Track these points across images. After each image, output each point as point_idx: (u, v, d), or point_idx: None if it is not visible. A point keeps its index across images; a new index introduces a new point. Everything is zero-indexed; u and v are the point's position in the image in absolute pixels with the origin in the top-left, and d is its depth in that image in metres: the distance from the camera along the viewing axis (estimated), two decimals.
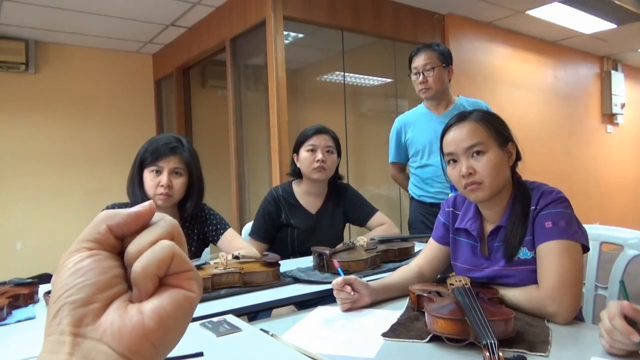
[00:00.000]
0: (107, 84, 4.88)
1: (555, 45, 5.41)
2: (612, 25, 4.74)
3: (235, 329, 1.08)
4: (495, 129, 1.24)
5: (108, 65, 4.90)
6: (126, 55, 5.02)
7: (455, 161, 1.24)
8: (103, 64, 4.86)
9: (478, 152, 1.20)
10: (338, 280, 1.24)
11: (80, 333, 0.29)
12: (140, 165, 1.66)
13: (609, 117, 6.16)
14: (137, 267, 0.30)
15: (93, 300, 0.29)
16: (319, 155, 1.97)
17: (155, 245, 0.31)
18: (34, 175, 4.51)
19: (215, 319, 1.14)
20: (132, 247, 0.32)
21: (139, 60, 5.12)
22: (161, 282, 0.32)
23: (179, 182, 1.66)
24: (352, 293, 1.22)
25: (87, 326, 0.29)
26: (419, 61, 2.41)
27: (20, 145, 4.46)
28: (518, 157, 1.28)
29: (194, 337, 1.05)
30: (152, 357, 0.30)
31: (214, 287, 1.38)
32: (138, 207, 0.33)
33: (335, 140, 2.06)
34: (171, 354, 1.02)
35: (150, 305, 0.30)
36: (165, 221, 0.33)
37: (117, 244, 0.32)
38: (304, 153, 2.00)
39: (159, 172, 1.64)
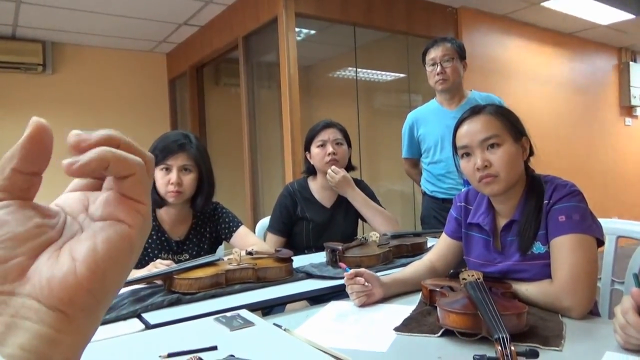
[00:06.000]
0: (123, 83, 4.95)
1: (572, 37, 5.32)
2: (630, 16, 4.64)
3: (248, 323, 1.09)
4: (509, 122, 1.23)
5: (123, 65, 4.96)
6: (140, 55, 5.08)
7: (469, 154, 1.23)
8: (118, 63, 4.93)
9: (493, 145, 1.19)
10: (348, 273, 1.24)
11: (5, 291, 0.26)
12: None
13: (628, 109, 6.04)
14: (99, 147, 0.28)
15: (14, 255, 0.26)
16: (330, 149, 2.00)
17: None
18: (52, 176, 4.56)
19: (229, 314, 1.15)
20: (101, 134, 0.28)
21: (153, 59, 5.17)
22: (97, 217, 0.29)
23: (189, 179, 1.68)
24: (366, 284, 1.22)
25: (13, 282, 0.26)
26: (437, 52, 2.39)
27: None
28: (531, 153, 1.27)
29: (208, 332, 1.06)
30: (91, 306, 0.27)
31: (228, 283, 1.40)
32: (27, 129, 0.28)
33: (343, 132, 2.09)
34: (186, 347, 1.03)
35: (82, 249, 0.27)
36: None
37: (30, 185, 0.28)
38: (315, 149, 2.04)
39: (168, 169, 1.66)
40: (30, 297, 0.26)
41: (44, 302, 0.26)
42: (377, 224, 2.02)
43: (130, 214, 0.29)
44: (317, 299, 1.44)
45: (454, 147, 1.30)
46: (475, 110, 1.26)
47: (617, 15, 4.64)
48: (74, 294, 0.27)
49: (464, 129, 1.25)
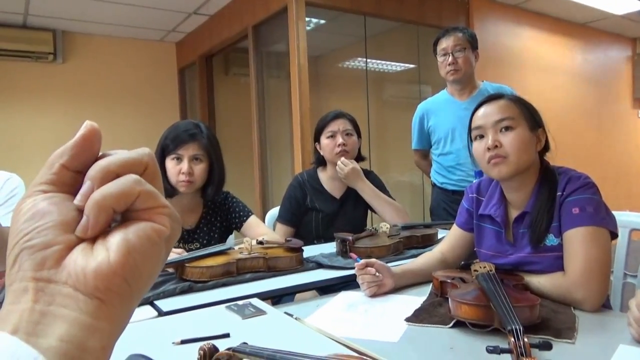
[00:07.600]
0: (133, 73, 4.95)
1: (585, 28, 5.23)
2: None
3: (260, 311, 1.10)
4: (527, 110, 1.24)
5: (133, 55, 4.96)
6: (150, 44, 5.07)
7: (482, 137, 1.24)
8: (128, 53, 4.93)
9: (507, 128, 1.20)
10: (359, 263, 1.25)
11: (43, 277, 0.26)
12: (162, 153, 1.70)
13: None
14: (95, 196, 0.28)
15: (54, 243, 0.27)
16: (340, 140, 2.00)
17: (121, 178, 0.29)
18: None
19: (240, 302, 1.16)
20: (93, 169, 0.29)
21: (163, 48, 5.17)
22: (128, 216, 0.30)
23: (200, 168, 1.69)
24: (377, 274, 1.22)
25: (50, 269, 0.27)
26: (448, 42, 2.37)
27: (50, 135, 4.57)
28: (547, 148, 1.26)
29: (220, 319, 1.07)
30: (125, 293, 0.28)
31: (239, 272, 1.41)
32: (80, 130, 0.30)
33: (353, 122, 2.09)
34: (199, 334, 1.04)
35: (115, 239, 0.28)
36: (140, 149, 0.31)
37: (74, 182, 0.30)
38: (324, 140, 2.04)
39: (179, 159, 1.67)
40: (66, 284, 0.27)
41: (80, 290, 0.27)
42: (387, 215, 2.01)
43: (155, 216, 0.30)
44: (326, 289, 1.44)
45: (470, 133, 1.29)
46: (495, 96, 1.27)
47: (632, 5, 4.55)
48: (108, 281, 0.27)
49: (481, 111, 1.26)
